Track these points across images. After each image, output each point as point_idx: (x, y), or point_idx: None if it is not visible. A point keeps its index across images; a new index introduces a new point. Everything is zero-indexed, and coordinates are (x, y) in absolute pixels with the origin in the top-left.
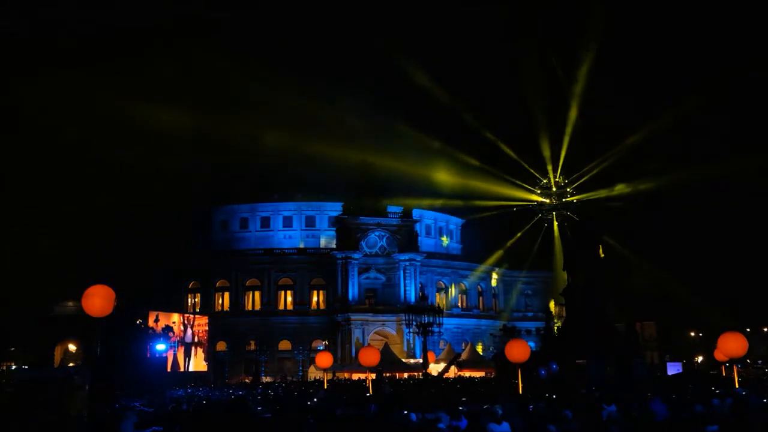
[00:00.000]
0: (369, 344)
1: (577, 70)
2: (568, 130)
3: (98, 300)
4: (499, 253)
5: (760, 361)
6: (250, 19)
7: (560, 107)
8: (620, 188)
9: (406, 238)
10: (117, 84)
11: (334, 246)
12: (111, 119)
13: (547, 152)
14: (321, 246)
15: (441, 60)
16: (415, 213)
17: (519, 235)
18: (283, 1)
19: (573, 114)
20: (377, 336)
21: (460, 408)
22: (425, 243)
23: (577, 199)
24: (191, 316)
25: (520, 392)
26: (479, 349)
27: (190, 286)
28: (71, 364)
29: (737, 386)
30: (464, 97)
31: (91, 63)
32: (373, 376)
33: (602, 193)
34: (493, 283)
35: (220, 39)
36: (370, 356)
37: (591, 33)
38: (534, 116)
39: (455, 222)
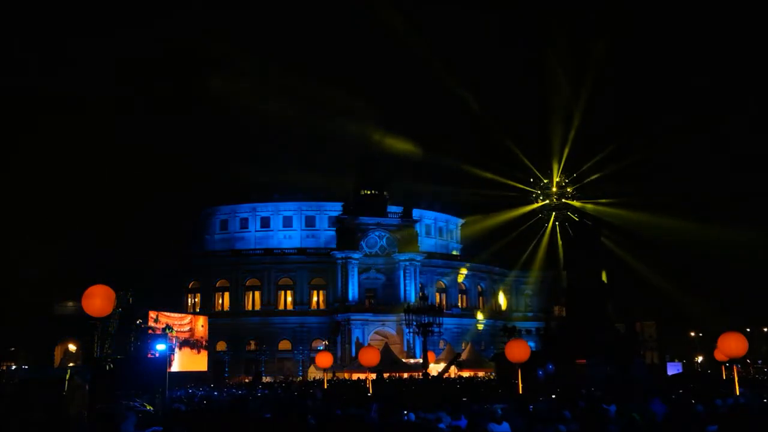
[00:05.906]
0: (369, 344)
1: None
2: (572, 132)
3: (98, 300)
4: (499, 253)
5: (760, 361)
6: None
7: (562, 108)
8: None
9: (406, 238)
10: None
11: (334, 246)
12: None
13: (547, 153)
14: (321, 246)
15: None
16: (415, 213)
17: (515, 234)
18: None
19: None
20: (377, 336)
21: (460, 408)
22: (425, 243)
23: (578, 202)
24: (191, 316)
25: (520, 392)
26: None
27: (190, 286)
28: (71, 364)
29: (737, 386)
30: (466, 94)
31: None
32: (373, 376)
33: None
34: (493, 283)
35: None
36: (370, 356)
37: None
38: (535, 116)
39: (455, 222)
